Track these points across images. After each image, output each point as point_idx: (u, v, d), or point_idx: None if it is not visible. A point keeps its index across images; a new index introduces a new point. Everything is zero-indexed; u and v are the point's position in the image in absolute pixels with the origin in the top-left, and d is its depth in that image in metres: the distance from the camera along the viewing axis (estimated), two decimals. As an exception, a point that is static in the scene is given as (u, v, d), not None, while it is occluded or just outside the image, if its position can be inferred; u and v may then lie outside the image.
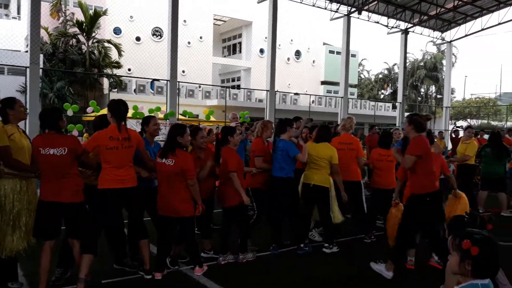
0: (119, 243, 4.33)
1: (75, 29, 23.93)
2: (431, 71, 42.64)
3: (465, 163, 7.66)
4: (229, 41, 37.36)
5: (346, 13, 21.40)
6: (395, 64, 46.53)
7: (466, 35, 25.90)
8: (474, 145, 7.68)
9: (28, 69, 12.60)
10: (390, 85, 47.64)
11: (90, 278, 3.67)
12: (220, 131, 4.80)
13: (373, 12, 22.61)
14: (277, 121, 5.33)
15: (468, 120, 40.26)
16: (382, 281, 4.30)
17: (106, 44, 24.04)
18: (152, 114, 7.12)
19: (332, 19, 22.00)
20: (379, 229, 5.95)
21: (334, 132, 6.43)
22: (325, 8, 21.03)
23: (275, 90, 18.46)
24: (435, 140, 7.51)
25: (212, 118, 18.88)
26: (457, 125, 37.12)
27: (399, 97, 25.00)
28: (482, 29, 24.75)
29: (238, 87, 31.00)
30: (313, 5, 20.66)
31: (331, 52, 37.51)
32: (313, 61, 37.20)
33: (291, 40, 34.20)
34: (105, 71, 23.97)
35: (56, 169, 3.52)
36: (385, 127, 25.02)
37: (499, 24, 23.92)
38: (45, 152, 3.50)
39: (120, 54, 24.04)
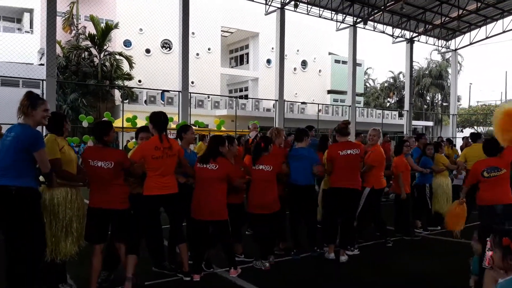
0: (158, 247, 4.55)
1: (87, 42, 24.51)
2: (436, 79, 42.85)
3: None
4: (236, 52, 37.91)
5: (352, 24, 21.80)
6: (400, 73, 46.80)
7: (470, 43, 26.18)
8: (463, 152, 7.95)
9: (44, 82, 13.01)
10: (395, 93, 47.88)
11: (136, 278, 3.95)
12: (262, 140, 5.07)
13: (378, 22, 23.00)
14: (296, 130, 5.56)
15: (475, 127, 40.36)
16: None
17: (117, 57, 24.59)
18: (189, 124, 7.41)
19: (338, 30, 22.39)
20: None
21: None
22: (331, 19, 21.45)
23: (283, 99, 18.83)
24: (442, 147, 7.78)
25: (222, 128, 19.27)
26: (463, 132, 37.24)
27: (406, 105, 25.25)
28: (487, 37, 25.03)
29: (246, 97, 31.44)
30: (320, 16, 21.10)
31: (337, 61, 37.93)
32: (319, 71, 37.61)
33: (297, 50, 34.68)
34: (116, 82, 24.48)
35: (104, 180, 3.81)
36: (392, 135, 25.24)
37: (504, 32, 24.19)
38: (93, 164, 3.79)
39: (131, 66, 24.60)
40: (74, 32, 25.55)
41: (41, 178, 3.64)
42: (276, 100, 18.93)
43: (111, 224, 3.90)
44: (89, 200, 3.89)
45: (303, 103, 25.02)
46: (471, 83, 55.43)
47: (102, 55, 24.34)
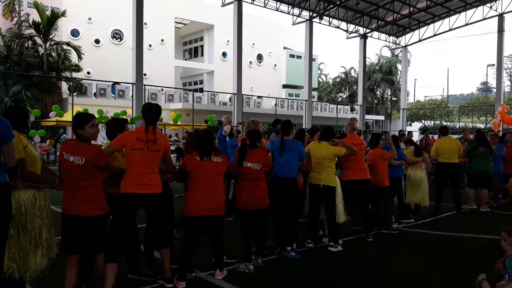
0: (134, 251, 4.12)
1: (31, 31, 22.97)
2: (386, 74, 44.26)
3: (452, 162, 7.81)
4: (190, 44, 37.15)
5: (308, 18, 21.91)
6: (351, 68, 47.96)
7: (420, 40, 27.20)
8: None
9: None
10: (347, 88, 49.01)
11: None
12: (248, 136, 4.74)
13: (333, 17, 23.30)
14: (282, 122, 5.33)
15: (423, 121, 42.20)
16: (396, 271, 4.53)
17: (64, 47, 23.21)
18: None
19: (294, 24, 22.45)
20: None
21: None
22: (288, 13, 21.44)
23: (241, 93, 18.61)
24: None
25: (178, 122, 18.76)
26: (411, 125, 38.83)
27: (359, 100, 25.82)
28: (435, 35, 26.09)
29: (201, 90, 30.90)
30: (277, 10, 21.01)
31: (292, 56, 38.17)
32: (275, 65, 37.70)
33: (253, 44, 34.51)
34: (63, 74, 23.15)
35: (74, 178, 3.37)
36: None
37: (450, 30, 25.31)
38: (66, 158, 3.38)
39: (80, 57, 23.31)
40: (16, 19, 23.87)
41: None
42: (234, 94, 18.66)
43: (87, 232, 3.41)
44: (62, 206, 3.42)
45: (259, 97, 24.94)
46: (415, 79, 57.84)
47: (47, 44, 22.89)
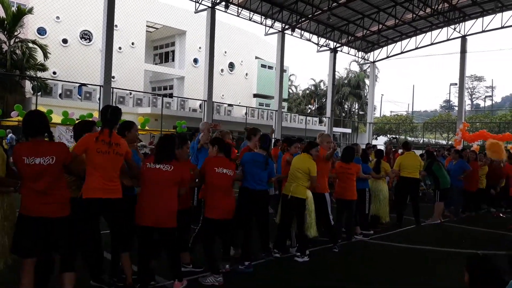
0: (96, 258, 3.97)
1: (-6, 27, 22.09)
2: (354, 88, 45.22)
3: (413, 177, 8.04)
4: (161, 49, 36.76)
5: (280, 30, 22.17)
6: (321, 81, 48.81)
7: (388, 57, 28.01)
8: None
9: None
10: (316, 100, 49.72)
11: None
12: (216, 143, 4.77)
13: (305, 30, 23.68)
14: (260, 136, 5.35)
15: (388, 135, 43.28)
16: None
17: (30, 45, 22.44)
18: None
19: (267, 34, 22.66)
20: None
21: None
22: (261, 23, 21.60)
23: (212, 100, 18.53)
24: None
25: (146, 127, 18.45)
26: (377, 139, 39.73)
27: (328, 112, 26.22)
28: (402, 52, 26.95)
29: (171, 95, 30.58)
30: (250, 19, 21.13)
31: (263, 66, 38.42)
32: (246, 74, 37.82)
33: (225, 52, 34.54)
34: (27, 73, 22.36)
35: (42, 180, 3.17)
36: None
37: (416, 48, 26.22)
38: (29, 162, 3.14)
39: (46, 56, 22.55)
40: (-22, 14, 22.92)
41: None
42: (204, 101, 18.56)
43: (58, 233, 3.26)
44: (23, 209, 3.21)
45: (230, 105, 24.94)
46: (382, 94, 59.49)
47: (12, 41, 22.07)
